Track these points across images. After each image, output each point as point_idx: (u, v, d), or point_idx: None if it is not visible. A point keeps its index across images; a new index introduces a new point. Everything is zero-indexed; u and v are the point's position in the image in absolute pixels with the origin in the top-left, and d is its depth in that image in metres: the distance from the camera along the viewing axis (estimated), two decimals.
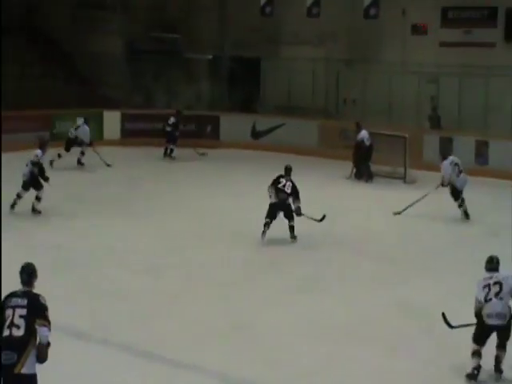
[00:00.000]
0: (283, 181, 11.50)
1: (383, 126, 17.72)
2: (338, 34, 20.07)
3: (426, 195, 13.01)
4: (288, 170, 11.64)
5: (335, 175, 16.51)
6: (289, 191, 11.39)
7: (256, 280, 9.63)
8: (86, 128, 16.67)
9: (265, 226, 11.26)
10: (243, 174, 16.77)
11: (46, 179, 12.40)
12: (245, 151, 18.53)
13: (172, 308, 8.56)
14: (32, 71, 20.06)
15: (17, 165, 12.65)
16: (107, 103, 20.48)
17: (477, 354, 7.00)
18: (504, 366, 7.05)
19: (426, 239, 11.97)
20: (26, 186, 12.31)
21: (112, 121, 20.06)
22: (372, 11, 19.16)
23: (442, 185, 13.01)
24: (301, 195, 11.41)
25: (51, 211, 12.49)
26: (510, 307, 7.00)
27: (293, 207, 11.39)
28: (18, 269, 5.65)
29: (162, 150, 18.10)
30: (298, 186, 11.41)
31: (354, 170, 16.46)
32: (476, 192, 15.17)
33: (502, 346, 7.03)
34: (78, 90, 20.46)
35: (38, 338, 5.38)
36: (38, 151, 12.43)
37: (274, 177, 11.54)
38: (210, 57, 21.97)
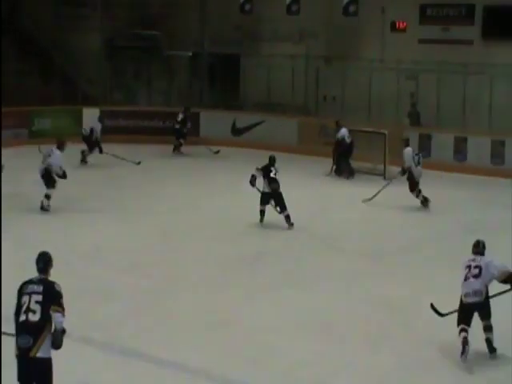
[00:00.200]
0: (273, 170, 12.10)
1: (363, 122, 17.82)
2: (318, 32, 20.13)
3: (389, 183, 13.66)
4: (273, 159, 12.26)
5: (315, 172, 16.58)
6: (277, 178, 12.04)
7: (238, 277, 9.67)
8: (100, 125, 16.78)
9: (261, 212, 12.01)
10: (223, 171, 16.79)
11: (65, 176, 12.48)
12: (225, 148, 18.53)
13: (155, 306, 8.56)
14: (11, 68, 19.90)
15: None
16: (87, 100, 20.39)
17: (463, 330, 7.26)
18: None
19: (405, 235, 12.06)
20: (47, 183, 12.41)
21: (91, 118, 19.93)
22: (351, 8, 19.26)
23: (403, 170, 13.46)
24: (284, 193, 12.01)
25: (36, 209, 12.43)
26: (486, 287, 7.30)
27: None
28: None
29: (143, 148, 18.08)
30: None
31: (334, 167, 16.54)
32: (454, 188, 15.36)
33: (488, 328, 7.33)
34: (57, 87, 20.35)
35: (53, 325, 5.56)
36: (57, 151, 12.55)
37: (261, 167, 12.17)
38: (190, 54, 21.93)
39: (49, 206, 12.47)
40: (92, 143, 16.70)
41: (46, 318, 5.56)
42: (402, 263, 10.40)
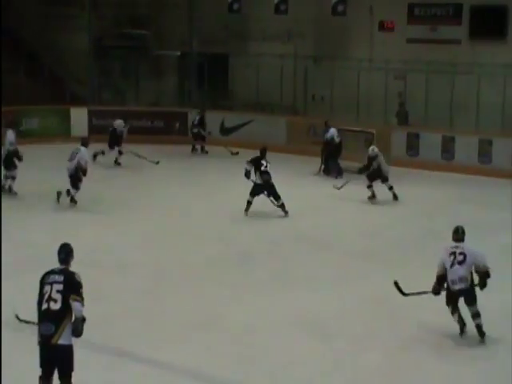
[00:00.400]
0: (264, 163, 12.57)
1: (351, 122, 17.86)
2: (306, 31, 20.17)
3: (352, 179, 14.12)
4: (264, 151, 12.78)
5: (303, 171, 16.61)
6: (269, 171, 12.53)
7: (226, 277, 9.67)
8: (121, 122, 16.98)
9: (248, 203, 12.47)
10: (212, 170, 16.79)
11: (85, 173, 12.80)
12: (213, 147, 18.52)
13: (143, 306, 8.55)
14: None
15: None
16: (75, 100, 20.34)
17: (454, 311, 7.73)
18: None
19: (393, 234, 12.10)
20: (73, 180, 12.79)
21: (79, 117, 19.93)
22: (339, 8, 19.33)
23: (368, 166, 13.94)
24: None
25: (25, 208, 12.39)
26: (471, 273, 7.66)
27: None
28: None
29: (131, 147, 18.03)
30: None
31: (323, 167, 16.57)
32: (442, 187, 15.42)
33: (476, 315, 7.65)
34: (45, 86, 20.29)
35: (73, 314, 5.79)
36: (82, 148, 12.88)
37: (251, 158, 12.69)
38: (179, 53, 21.93)
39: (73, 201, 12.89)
40: (113, 142, 16.84)
41: (66, 307, 5.80)
42: (390, 262, 10.42)
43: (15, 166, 13.40)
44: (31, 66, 20.77)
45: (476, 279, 7.77)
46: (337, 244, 11.31)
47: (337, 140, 16.29)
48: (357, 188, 15.13)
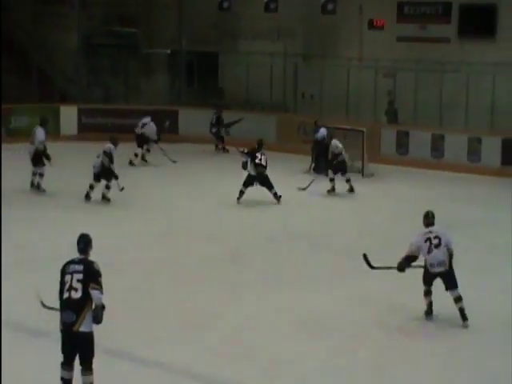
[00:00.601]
0: (259, 155, 13.19)
1: (341, 120, 17.89)
2: (296, 30, 20.19)
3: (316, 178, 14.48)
4: (261, 144, 13.38)
5: (294, 169, 16.63)
6: (265, 164, 13.16)
7: (218, 276, 9.66)
8: (153, 125, 16.87)
9: (240, 193, 13.08)
10: (203, 168, 16.78)
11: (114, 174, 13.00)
12: (204, 146, 18.51)
13: (134, 304, 8.53)
14: None
15: None
16: (64, 98, 20.28)
17: (427, 293, 8.16)
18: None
19: (384, 232, 12.13)
20: (97, 177, 13.02)
21: (69, 116, 19.87)
22: (329, 6, 19.38)
23: (334, 159, 14.29)
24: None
25: (14, 207, 12.35)
26: (448, 256, 7.99)
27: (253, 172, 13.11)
28: None
29: (121, 146, 17.94)
30: None
31: (313, 165, 16.59)
32: (432, 185, 15.48)
33: (458, 299, 7.98)
34: (34, 84, 20.21)
35: (93, 302, 6.00)
36: (111, 145, 13.07)
37: (248, 150, 13.28)
38: (168, 51, 21.91)
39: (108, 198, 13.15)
40: (141, 140, 16.84)
41: (86, 295, 6.00)
42: (381, 260, 10.41)
43: (43, 164, 13.57)
44: (21, 64, 20.69)
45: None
46: (328, 242, 11.31)
47: (327, 140, 16.29)
48: (346, 186, 15.18)
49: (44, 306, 6.58)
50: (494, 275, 9.91)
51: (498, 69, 16.87)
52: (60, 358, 6.08)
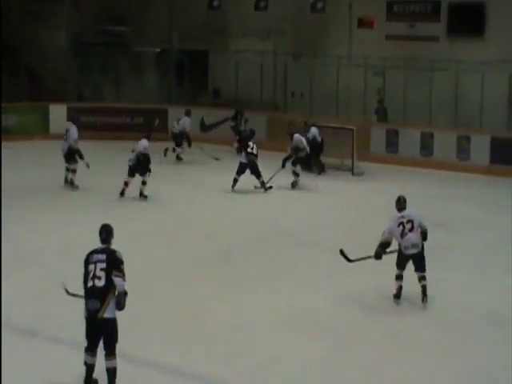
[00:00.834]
0: (251, 144, 14.13)
1: (331, 118, 17.94)
2: (286, 28, 20.19)
3: (280, 170, 14.74)
4: (253, 132, 14.72)
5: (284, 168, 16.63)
6: (256, 153, 14.04)
7: (207, 274, 9.67)
8: (189, 120, 17.06)
9: (234, 180, 13.95)
10: (192, 167, 16.78)
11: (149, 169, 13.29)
12: (193, 144, 18.49)
13: (128, 304, 8.51)
14: None
15: None
16: (54, 96, 20.22)
17: (399, 277, 8.59)
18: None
19: (374, 230, 12.12)
20: (131, 172, 13.27)
21: (58, 114, 19.80)
22: (319, 5, 19.41)
23: (298, 153, 14.68)
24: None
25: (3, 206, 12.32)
26: (420, 238, 8.45)
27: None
28: None
29: (111, 144, 18.02)
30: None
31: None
32: (421, 183, 15.54)
33: (422, 278, 8.47)
34: (24, 83, 20.14)
35: (116, 289, 6.25)
36: (145, 141, 13.35)
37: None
38: (158, 50, 21.89)
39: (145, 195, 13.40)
40: (180, 138, 16.93)
41: (110, 283, 6.27)
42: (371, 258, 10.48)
43: (76, 160, 13.87)
44: (10, 62, 20.60)
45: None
46: (318, 240, 11.34)
47: (319, 139, 16.35)
48: (336, 185, 15.26)
49: (68, 293, 6.84)
50: (483, 272, 9.97)
51: (486, 67, 16.95)
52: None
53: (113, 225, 6.76)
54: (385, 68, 18.86)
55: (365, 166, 16.47)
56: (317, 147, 16.33)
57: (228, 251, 10.64)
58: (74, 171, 13.95)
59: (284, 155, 14.99)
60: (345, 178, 15.95)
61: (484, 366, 7.19)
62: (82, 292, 6.45)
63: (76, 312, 8.12)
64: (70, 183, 13.99)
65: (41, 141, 17.08)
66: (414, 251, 8.45)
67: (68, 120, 14.38)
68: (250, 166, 13.97)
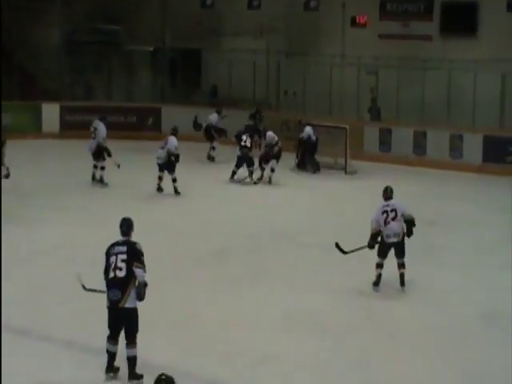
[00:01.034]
0: (244, 137, 14.82)
1: (324, 117, 17.95)
2: (279, 27, 20.18)
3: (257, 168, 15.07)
4: (247, 126, 15.74)
5: (278, 166, 16.62)
6: (249, 145, 14.76)
7: (202, 272, 9.67)
8: (216, 116, 17.37)
9: (233, 173, 14.71)
10: (186, 166, 16.74)
11: (177, 158, 13.61)
12: (187, 143, 18.46)
13: None
14: None
15: None
16: (46, 95, 20.17)
17: (379, 265, 8.92)
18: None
19: (365, 229, 12.15)
20: (161, 169, 13.65)
21: (51, 113, 19.77)
22: (312, 4, 19.45)
23: (271, 150, 15.05)
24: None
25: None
26: (402, 227, 8.83)
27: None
28: None
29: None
30: None
31: (296, 161, 16.66)
32: (414, 182, 15.57)
33: (402, 265, 8.88)
34: (16, 81, 20.07)
35: (137, 280, 6.46)
36: (174, 139, 13.73)
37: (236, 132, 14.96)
38: (151, 49, 21.85)
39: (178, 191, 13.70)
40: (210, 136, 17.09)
41: (130, 274, 6.49)
42: (364, 256, 10.48)
43: (104, 158, 14.15)
44: (2, 61, 20.52)
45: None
46: (312, 238, 11.35)
47: (313, 138, 16.36)
48: (330, 183, 15.27)
49: (85, 288, 7.01)
50: (475, 271, 10.00)
51: (479, 66, 16.99)
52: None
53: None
54: (378, 67, 18.89)
55: (358, 165, 16.49)
56: (311, 146, 16.35)
57: (224, 250, 10.62)
58: (102, 168, 14.18)
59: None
60: (338, 177, 15.96)
61: (481, 366, 7.21)
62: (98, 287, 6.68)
63: (69, 311, 8.17)
64: (99, 181, 14.21)
65: (34, 140, 17.02)
66: (394, 240, 8.78)
67: (101, 118, 14.57)
68: (244, 158, 14.57)
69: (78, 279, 7.03)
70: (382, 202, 9.00)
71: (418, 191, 14.50)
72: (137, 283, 6.50)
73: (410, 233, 8.99)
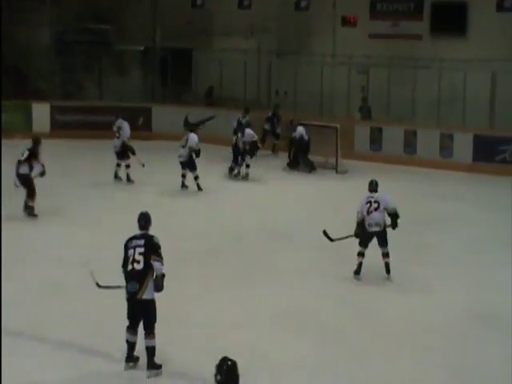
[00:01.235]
0: (239, 134, 15.21)
1: (315, 117, 17.97)
2: (269, 26, 20.20)
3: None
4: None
5: (269, 166, 16.66)
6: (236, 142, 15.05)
7: (190, 271, 9.66)
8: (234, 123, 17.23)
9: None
10: (175, 166, 16.72)
11: (198, 154, 14.03)
12: (178, 143, 18.44)
13: (107, 301, 8.47)
14: None
15: None
16: (37, 95, 20.12)
17: (361, 254, 9.31)
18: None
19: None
20: (183, 167, 14.01)
21: (41, 113, 19.72)
22: (303, 3, 19.48)
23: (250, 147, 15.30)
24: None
25: None
26: (384, 219, 9.20)
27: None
28: None
29: (94, 143, 17.96)
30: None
31: (288, 161, 16.69)
32: (405, 181, 15.61)
33: (386, 255, 9.23)
34: (6, 81, 19.99)
35: (154, 272, 6.66)
36: (194, 135, 13.99)
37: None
38: (142, 48, 21.82)
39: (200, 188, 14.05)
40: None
41: (148, 267, 6.68)
42: (352, 256, 10.52)
43: (128, 156, 14.41)
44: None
45: (389, 223, 9.33)
46: (302, 238, 11.36)
47: (306, 137, 16.38)
48: (321, 183, 15.28)
49: (99, 286, 7.16)
50: (465, 270, 10.04)
51: (469, 66, 17.04)
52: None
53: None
54: (368, 66, 18.94)
55: (349, 164, 16.51)
56: (304, 146, 16.38)
57: (214, 250, 10.62)
58: (127, 166, 14.47)
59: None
60: (329, 176, 15.99)
61: (471, 365, 7.23)
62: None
63: (61, 312, 8.16)
64: (127, 179, 14.51)
65: (24, 139, 16.91)
66: (376, 229, 9.18)
67: (124, 117, 14.78)
68: (239, 152, 15.00)
69: (91, 277, 7.17)
70: (367, 193, 9.42)
71: (408, 190, 14.54)
72: (154, 275, 6.67)
73: (394, 225, 9.34)
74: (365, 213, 9.23)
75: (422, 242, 11.14)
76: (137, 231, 7.01)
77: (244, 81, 20.23)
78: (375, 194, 9.37)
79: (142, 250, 6.71)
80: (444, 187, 15.17)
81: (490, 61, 16.77)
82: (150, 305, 6.72)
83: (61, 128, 19.39)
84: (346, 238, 9.41)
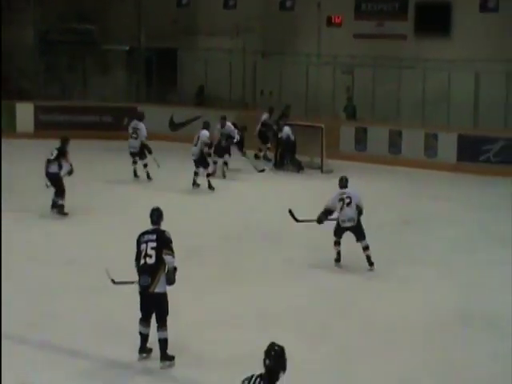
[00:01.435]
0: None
1: (300, 116, 17.99)
2: (254, 26, 20.19)
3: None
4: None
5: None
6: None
7: (180, 272, 9.61)
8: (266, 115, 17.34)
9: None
10: (161, 166, 16.68)
11: (210, 146, 14.51)
12: (162, 142, 18.42)
13: (94, 302, 8.48)
14: None
15: None
16: (21, 95, 20.01)
17: (337, 243, 9.74)
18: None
19: None
20: (197, 165, 14.15)
21: (25, 113, 19.62)
22: (288, 3, 19.52)
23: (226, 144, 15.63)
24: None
25: None
26: (356, 213, 9.51)
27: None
28: None
29: (78, 143, 17.77)
30: None
31: (274, 161, 16.71)
32: (389, 181, 15.68)
33: (365, 248, 9.53)
34: None
35: (166, 266, 6.82)
36: (205, 131, 14.24)
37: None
38: (127, 48, 21.75)
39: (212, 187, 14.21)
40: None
41: (160, 261, 6.84)
42: (342, 256, 10.54)
43: (145, 156, 14.74)
44: None
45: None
46: (288, 237, 11.34)
47: (292, 138, 16.39)
48: (306, 182, 15.30)
49: (114, 282, 7.28)
50: (451, 269, 10.08)
51: (453, 66, 17.13)
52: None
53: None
54: (353, 66, 18.98)
55: (334, 164, 16.53)
56: (291, 146, 16.40)
57: (200, 249, 10.60)
58: (145, 165, 14.74)
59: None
60: (315, 176, 16.02)
61: (456, 363, 7.25)
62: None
63: (46, 312, 8.12)
64: (146, 177, 14.84)
65: (8, 139, 16.83)
66: (349, 224, 9.52)
67: (139, 118, 15.05)
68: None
69: (107, 274, 7.27)
70: (338, 189, 9.72)
71: (393, 190, 14.60)
72: (166, 269, 6.81)
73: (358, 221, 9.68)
74: (338, 210, 9.56)
75: (405, 241, 11.18)
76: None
77: (229, 81, 20.23)
78: (346, 190, 9.69)
79: (154, 244, 6.86)
80: (429, 187, 15.23)
81: (474, 61, 16.87)
82: (163, 298, 6.86)
83: (45, 128, 19.28)
84: (310, 221, 9.81)
